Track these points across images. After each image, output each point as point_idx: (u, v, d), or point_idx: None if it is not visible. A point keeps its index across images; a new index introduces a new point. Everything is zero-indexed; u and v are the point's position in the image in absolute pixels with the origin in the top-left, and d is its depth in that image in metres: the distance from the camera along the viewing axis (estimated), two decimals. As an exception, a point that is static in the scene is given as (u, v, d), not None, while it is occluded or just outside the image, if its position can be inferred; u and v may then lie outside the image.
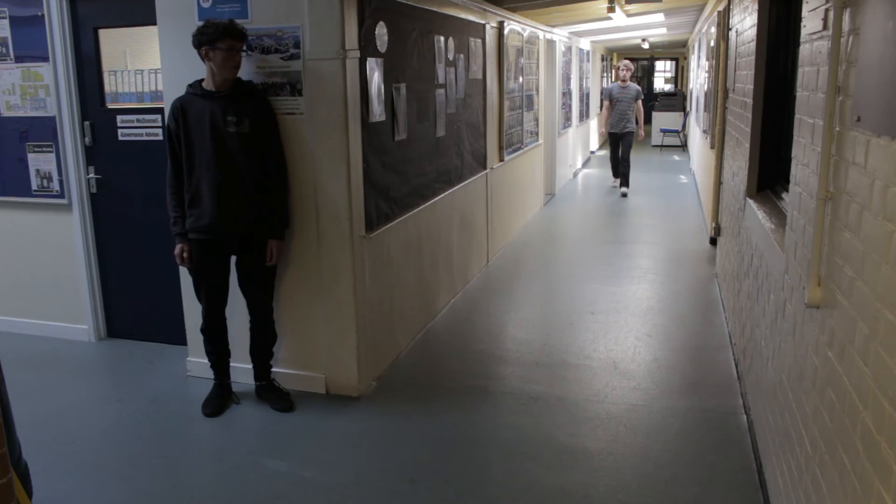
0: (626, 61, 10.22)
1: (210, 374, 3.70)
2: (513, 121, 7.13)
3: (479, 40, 5.81)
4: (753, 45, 3.85)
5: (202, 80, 3.42)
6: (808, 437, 2.07)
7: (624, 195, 9.77)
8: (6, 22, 4.27)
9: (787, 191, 2.91)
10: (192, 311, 3.84)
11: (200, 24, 3.38)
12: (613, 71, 10.00)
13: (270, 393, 3.69)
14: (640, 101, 10.08)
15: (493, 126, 6.38)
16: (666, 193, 10.20)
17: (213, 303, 3.57)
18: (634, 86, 10.16)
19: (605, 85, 16.39)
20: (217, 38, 3.27)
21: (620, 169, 10.05)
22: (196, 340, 3.84)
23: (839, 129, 1.90)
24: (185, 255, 3.47)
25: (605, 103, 10.23)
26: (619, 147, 9.96)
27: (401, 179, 4.25)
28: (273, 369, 3.74)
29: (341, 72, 3.43)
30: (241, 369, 3.75)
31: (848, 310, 1.73)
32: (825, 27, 2.11)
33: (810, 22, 2.38)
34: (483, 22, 5.88)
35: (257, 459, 3.18)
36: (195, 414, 3.59)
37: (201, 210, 3.41)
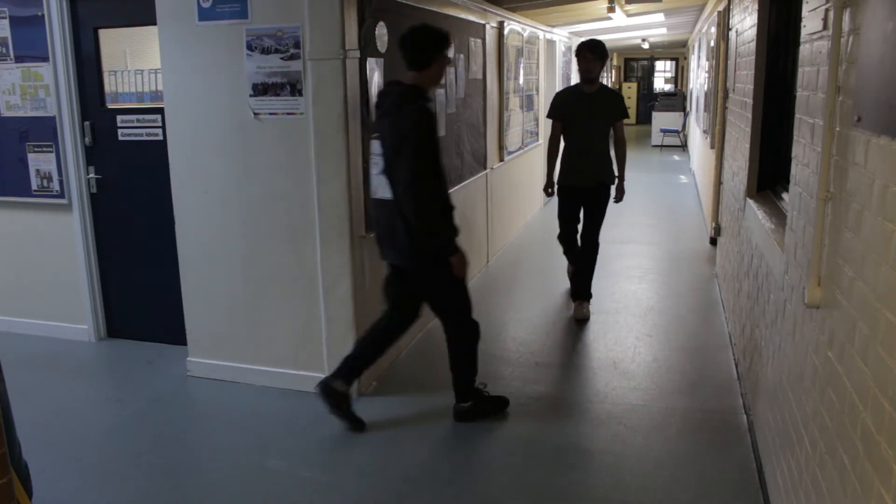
0: (593, 41, 4.80)
1: (210, 374, 3.69)
2: (512, 121, 7.12)
3: (479, 40, 5.81)
4: (753, 45, 3.86)
5: (396, 81, 3.28)
6: (808, 437, 2.07)
7: (582, 320, 4.87)
8: (6, 22, 4.27)
9: (787, 191, 2.91)
10: (193, 312, 3.84)
11: (419, 27, 3.17)
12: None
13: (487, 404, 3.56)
14: (620, 123, 4.91)
15: (493, 126, 6.38)
16: (666, 193, 10.19)
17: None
18: (609, 90, 5.12)
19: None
20: (447, 46, 3.16)
21: (581, 260, 5.09)
22: (196, 341, 3.84)
23: (839, 129, 1.90)
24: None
25: (555, 125, 4.91)
26: (581, 214, 4.98)
27: (401, 179, 4.24)
28: (273, 369, 3.73)
29: (341, 72, 3.43)
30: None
31: (848, 310, 1.73)
32: (825, 27, 2.11)
33: (810, 22, 2.38)
34: (483, 22, 5.88)
35: (257, 459, 3.18)
36: (195, 414, 3.59)
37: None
